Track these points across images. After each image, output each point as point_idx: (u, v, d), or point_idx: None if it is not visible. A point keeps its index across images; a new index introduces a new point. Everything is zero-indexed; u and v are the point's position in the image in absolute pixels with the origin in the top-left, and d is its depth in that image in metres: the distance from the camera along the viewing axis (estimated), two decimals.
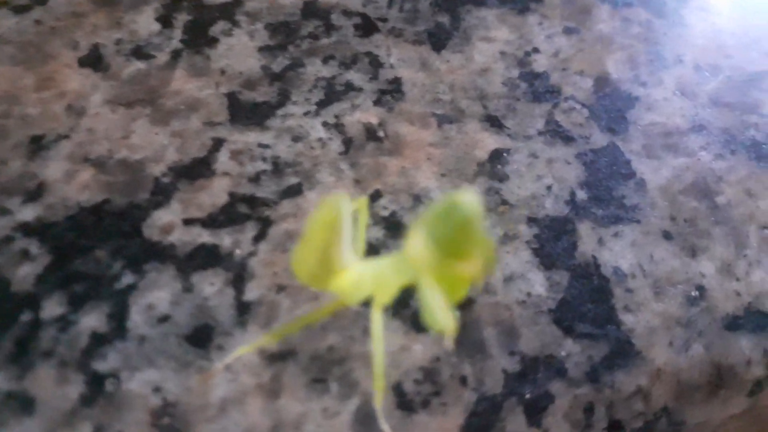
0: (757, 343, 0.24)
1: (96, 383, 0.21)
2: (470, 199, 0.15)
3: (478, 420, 0.21)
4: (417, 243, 0.16)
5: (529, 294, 0.24)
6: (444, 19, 0.33)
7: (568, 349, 0.23)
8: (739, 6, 0.37)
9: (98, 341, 0.22)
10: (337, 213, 0.18)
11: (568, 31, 0.33)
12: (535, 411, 0.22)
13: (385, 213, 0.25)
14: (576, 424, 0.22)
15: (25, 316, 0.22)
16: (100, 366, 0.21)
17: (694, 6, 0.36)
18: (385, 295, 0.19)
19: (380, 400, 0.19)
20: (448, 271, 0.16)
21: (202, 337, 0.22)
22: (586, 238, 0.26)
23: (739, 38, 0.35)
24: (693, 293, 0.25)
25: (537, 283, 0.24)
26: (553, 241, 0.25)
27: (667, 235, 0.26)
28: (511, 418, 0.22)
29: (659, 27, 0.34)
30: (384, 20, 0.32)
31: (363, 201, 0.22)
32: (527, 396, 0.22)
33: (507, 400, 0.22)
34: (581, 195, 0.27)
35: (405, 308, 0.23)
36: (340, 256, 0.19)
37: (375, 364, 0.19)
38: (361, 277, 0.19)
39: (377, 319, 0.19)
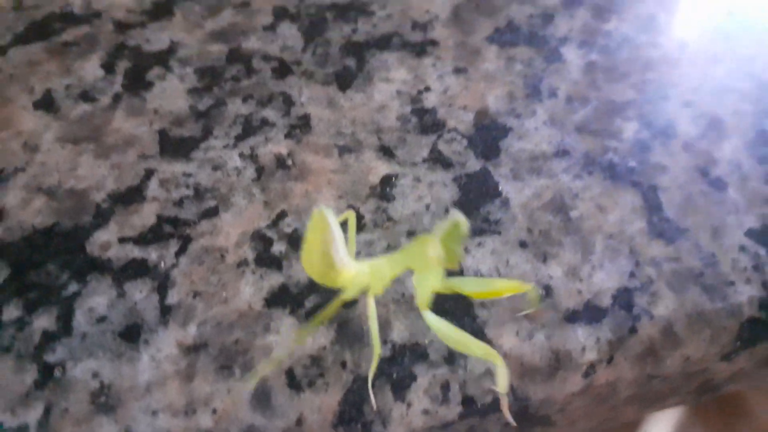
0: (591, 333, 0.30)
1: (46, 371, 0.26)
2: (464, 220, 0.23)
3: (353, 396, 0.27)
4: (436, 250, 0.23)
5: (403, 294, 0.30)
6: (351, 62, 0.38)
7: (430, 338, 0.29)
8: (615, 42, 0.43)
9: (48, 338, 0.27)
10: (324, 221, 0.24)
11: (457, 71, 0.39)
12: (400, 388, 0.27)
13: (289, 230, 0.31)
14: (435, 398, 0.28)
15: None
16: (50, 358, 0.27)
17: (573, 44, 0.42)
18: (380, 286, 0.26)
19: (374, 367, 0.26)
20: (440, 270, 0.24)
21: (132, 334, 0.27)
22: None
23: (610, 73, 0.41)
24: (540, 292, 0.31)
25: (411, 285, 0.30)
26: None
27: (522, 244, 0.32)
28: (381, 394, 0.27)
29: (539, 64, 0.40)
30: (298, 63, 0.38)
31: (351, 214, 0.29)
32: (394, 376, 0.28)
33: (378, 379, 0.27)
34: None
35: (300, 308, 0.29)
36: (338, 258, 0.25)
37: (372, 338, 0.26)
38: (359, 274, 0.26)
39: (371, 305, 0.26)
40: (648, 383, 0.31)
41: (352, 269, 0.26)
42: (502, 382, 0.25)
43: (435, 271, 0.24)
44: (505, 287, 0.26)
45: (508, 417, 0.25)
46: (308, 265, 0.26)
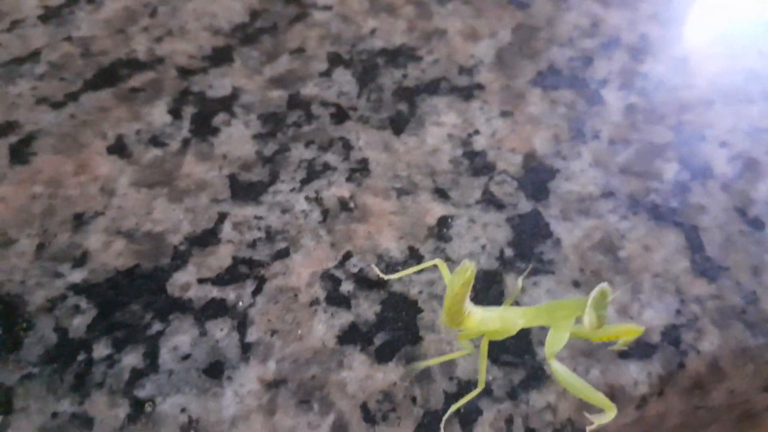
0: (643, 368, 0.32)
1: (137, 406, 0.28)
2: (609, 289, 0.25)
3: (424, 429, 0.29)
4: (591, 315, 0.26)
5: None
6: (403, 107, 0.41)
7: (494, 374, 0.31)
8: (651, 84, 0.45)
9: (137, 374, 0.29)
10: (471, 273, 0.27)
11: (503, 114, 0.41)
12: (467, 422, 0.29)
13: (355, 270, 0.33)
14: (500, 431, 0.29)
15: (81, 356, 0.29)
16: (140, 393, 0.28)
17: (612, 86, 0.45)
18: (506, 333, 0.28)
19: (467, 399, 0.29)
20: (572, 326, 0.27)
21: (215, 370, 0.29)
22: (511, 287, 0.33)
23: (648, 114, 0.43)
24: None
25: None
26: (485, 290, 0.33)
27: (575, 284, 0.34)
28: (449, 427, 0.29)
29: (581, 107, 0.42)
30: (354, 109, 0.40)
31: (472, 265, 0.31)
32: (461, 411, 0.29)
33: (446, 413, 0.29)
34: (508, 252, 0.35)
35: (370, 345, 0.31)
36: (468, 303, 0.28)
37: (480, 375, 0.28)
38: (485, 319, 0.29)
39: (485, 347, 0.28)
40: (694, 413, 0.33)
41: (479, 315, 0.28)
42: (600, 421, 0.27)
43: (570, 328, 0.27)
44: (622, 331, 0.28)
45: None
46: (446, 313, 0.28)
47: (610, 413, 0.27)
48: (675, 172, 0.39)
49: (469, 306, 0.28)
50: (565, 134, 0.41)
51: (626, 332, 0.28)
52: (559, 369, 0.27)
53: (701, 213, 0.38)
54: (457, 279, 0.27)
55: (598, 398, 0.27)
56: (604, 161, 0.39)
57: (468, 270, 0.27)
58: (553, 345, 0.28)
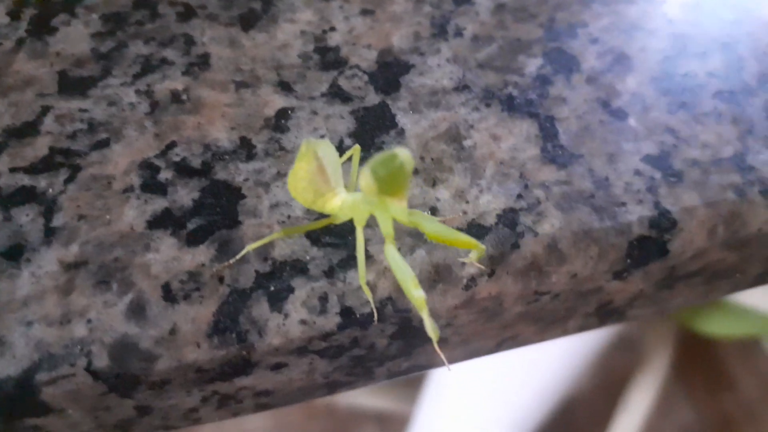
0: None
1: None
2: (406, 153, 0.23)
3: (229, 308, 0.28)
4: (366, 178, 0.23)
5: (289, 216, 0.31)
6: (256, 4, 0.39)
7: (312, 255, 0.29)
8: None
9: None
10: (312, 149, 0.27)
11: (364, 13, 0.40)
12: (277, 299, 0.28)
13: (177, 159, 0.32)
14: (312, 309, 0.28)
15: None
16: None
17: None
18: (361, 219, 0.27)
19: (365, 286, 0.27)
20: (384, 204, 0.25)
21: (14, 253, 0.28)
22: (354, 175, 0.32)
23: (519, 13, 0.41)
24: (425, 212, 0.31)
25: (297, 208, 0.31)
26: None
27: (414, 172, 0.33)
28: (257, 305, 0.28)
29: (447, 6, 0.41)
30: (204, 7, 0.38)
31: (357, 148, 0.31)
32: (271, 289, 0.28)
33: (254, 292, 0.28)
34: (348, 142, 0.33)
35: (182, 229, 0.29)
36: (327, 186, 0.27)
37: (359, 265, 0.27)
38: (344, 205, 0.28)
39: (359, 234, 0.27)
40: (538, 300, 0.32)
41: (339, 200, 0.28)
42: (430, 331, 0.26)
43: (398, 203, 0.25)
44: (461, 241, 0.27)
45: (442, 357, 0.27)
46: (294, 191, 0.28)
47: (424, 315, 0.26)
48: (537, 67, 0.38)
49: (335, 189, 0.28)
50: (426, 32, 0.39)
51: (464, 244, 0.27)
52: (392, 255, 0.26)
53: (560, 104, 0.36)
54: (299, 160, 0.27)
55: (415, 295, 0.26)
56: (463, 57, 0.38)
57: (307, 149, 0.27)
58: (382, 222, 0.26)
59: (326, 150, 0.27)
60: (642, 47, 0.40)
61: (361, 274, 0.27)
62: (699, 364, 1.30)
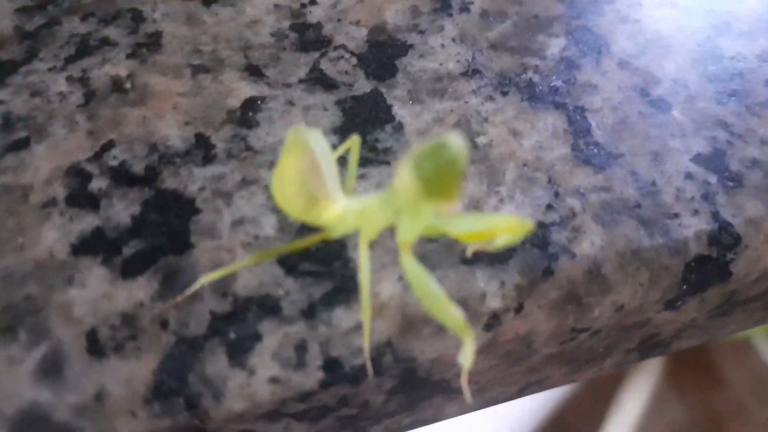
0: (494, 276, 0.24)
1: None
2: (458, 141, 0.16)
3: (173, 362, 0.21)
4: (405, 177, 0.16)
5: (256, 237, 0.24)
6: None
7: (287, 288, 0.22)
8: None
9: None
10: (302, 142, 0.19)
11: None
12: (239, 351, 0.21)
13: (115, 163, 0.25)
14: (287, 362, 0.21)
15: None
16: None
17: None
18: (372, 230, 0.20)
19: (368, 331, 0.20)
20: (429, 208, 0.17)
21: None
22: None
23: None
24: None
25: (268, 225, 0.24)
26: None
27: None
28: (212, 359, 0.21)
29: None
30: None
31: (355, 140, 0.23)
32: (232, 336, 0.21)
33: (209, 340, 0.21)
34: (332, 140, 0.27)
35: (116, 256, 0.22)
36: (323, 189, 0.20)
37: (362, 296, 0.20)
38: (347, 212, 0.20)
39: (364, 253, 0.20)
40: (574, 339, 0.25)
41: (340, 206, 0.20)
42: (466, 357, 0.19)
43: (424, 209, 0.18)
44: (501, 225, 0.19)
45: (466, 393, 0.19)
46: (281, 197, 0.20)
47: (468, 342, 0.19)
48: (561, 48, 0.31)
49: (332, 193, 0.20)
50: (426, 6, 0.32)
51: (507, 227, 0.20)
52: (410, 268, 0.19)
53: (591, 93, 0.30)
54: (286, 154, 0.19)
55: (455, 321, 0.19)
56: (472, 36, 0.31)
57: (296, 138, 0.19)
58: (403, 232, 0.19)
59: (318, 142, 0.20)
60: (679, 26, 0.33)
61: (366, 309, 0.20)
62: (690, 362, 1.26)
